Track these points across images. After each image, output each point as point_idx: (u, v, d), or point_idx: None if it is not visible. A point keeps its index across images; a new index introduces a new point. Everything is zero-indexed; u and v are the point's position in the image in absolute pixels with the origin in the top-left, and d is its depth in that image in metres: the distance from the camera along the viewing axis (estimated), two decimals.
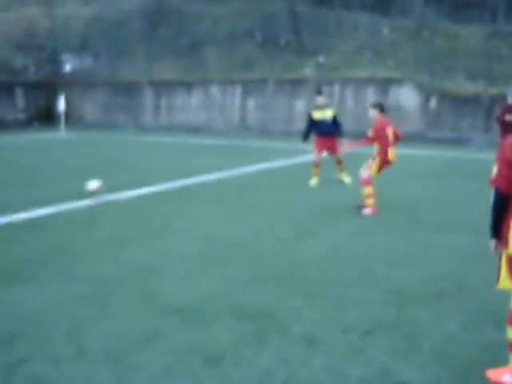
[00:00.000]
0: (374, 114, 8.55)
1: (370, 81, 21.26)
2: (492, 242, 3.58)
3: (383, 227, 7.61)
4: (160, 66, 25.55)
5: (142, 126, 25.21)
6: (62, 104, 23.13)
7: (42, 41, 28.09)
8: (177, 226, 7.64)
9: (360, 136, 9.86)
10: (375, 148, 8.52)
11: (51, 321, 4.42)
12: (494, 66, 20.12)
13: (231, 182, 11.47)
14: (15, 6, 30.61)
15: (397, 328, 4.32)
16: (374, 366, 3.72)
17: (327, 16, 24.00)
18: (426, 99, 20.48)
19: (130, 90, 25.63)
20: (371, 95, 20.70)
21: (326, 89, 19.33)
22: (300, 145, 11.40)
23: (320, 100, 11.12)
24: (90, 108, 26.59)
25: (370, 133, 8.58)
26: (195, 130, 23.74)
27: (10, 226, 7.57)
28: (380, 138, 8.43)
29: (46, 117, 25.75)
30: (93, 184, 9.48)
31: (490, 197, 3.59)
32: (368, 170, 8.49)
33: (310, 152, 11.52)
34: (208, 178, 11.68)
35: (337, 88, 21.81)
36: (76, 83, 26.52)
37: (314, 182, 10.98)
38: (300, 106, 22.06)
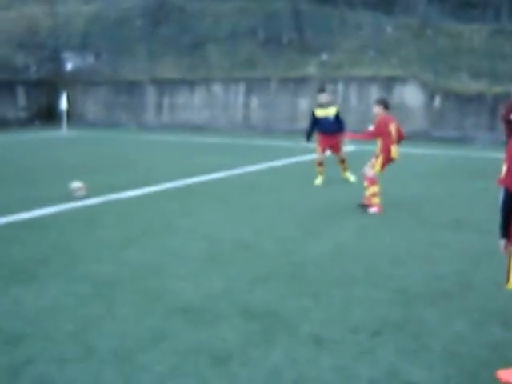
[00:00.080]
0: (377, 110, 8.41)
1: (373, 79, 21.21)
2: (502, 242, 3.56)
3: (387, 226, 7.57)
4: (162, 64, 25.49)
5: (144, 124, 25.13)
6: (63, 102, 23.11)
7: (44, 39, 28.04)
8: (179, 225, 7.59)
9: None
10: (378, 145, 8.42)
11: (53, 321, 4.39)
12: (498, 65, 20.06)
13: (234, 180, 11.43)
14: (16, 4, 30.58)
15: (404, 327, 4.30)
16: (383, 366, 3.70)
17: (330, 14, 23.92)
18: (430, 98, 20.41)
19: (132, 88, 25.57)
20: (375, 93, 20.58)
21: (329, 87, 19.26)
22: (303, 144, 11.32)
23: (323, 98, 10.88)
24: (91, 106, 26.53)
25: (373, 128, 8.50)
26: (198, 128, 23.67)
27: (10, 225, 7.53)
28: (382, 134, 8.31)
29: (48, 115, 25.68)
30: (76, 184, 9.36)
31: (499, 196, 3.56)
32: (372, 169, 8.42)
33: (314, 150, 11.48)
34: (210, 176, 11.64)
35: (340, 86, 21.75)
36: (78, 82, 26.47)
37: (319, 180, 10.89)
38: (303, 104, 21.97)
